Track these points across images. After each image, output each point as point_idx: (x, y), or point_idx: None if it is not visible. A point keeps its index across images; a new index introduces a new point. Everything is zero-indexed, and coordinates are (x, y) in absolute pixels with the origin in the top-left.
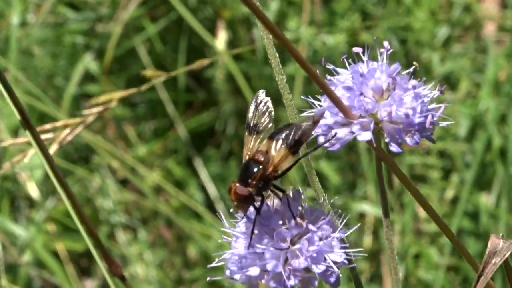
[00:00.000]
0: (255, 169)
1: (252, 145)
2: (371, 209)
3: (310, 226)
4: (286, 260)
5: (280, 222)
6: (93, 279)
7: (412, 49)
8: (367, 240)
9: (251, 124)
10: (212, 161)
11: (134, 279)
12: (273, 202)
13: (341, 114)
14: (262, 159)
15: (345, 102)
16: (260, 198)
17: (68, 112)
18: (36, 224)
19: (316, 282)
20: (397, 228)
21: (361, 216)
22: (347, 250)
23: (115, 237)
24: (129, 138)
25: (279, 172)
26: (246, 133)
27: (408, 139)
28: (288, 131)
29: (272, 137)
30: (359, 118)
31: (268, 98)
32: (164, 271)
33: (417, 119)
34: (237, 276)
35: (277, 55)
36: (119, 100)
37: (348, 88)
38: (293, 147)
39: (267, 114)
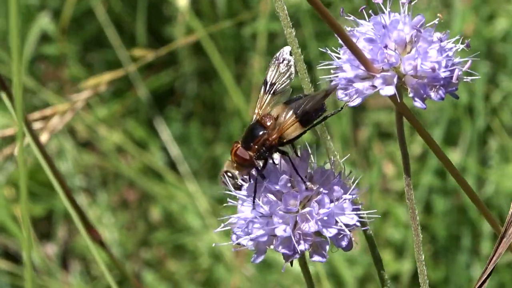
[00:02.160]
0: (260, 133)
1: (264, 105)
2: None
3: (321, 188)
4: (295, 224)
5: (289, 184)
6: (53, 243)
7: None
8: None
9: (268, 82)
10: (173, 122)
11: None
12: (280, 163)
13: (362, 67)
14: (269, 124)
15: (367, 55)
16: (263, 161)
17: (24, 74)
18: None
19: (328, 247)
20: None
21: None
22: (359, 212)
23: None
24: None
25: (284, 140)
26: (262, 91)
27: (432, 94)
28: (301, 101)
29: (286, 104)
30: (381, 72)
31: (292, 58)
32: (127, 234)
33: (443, 74)
34: (243, 241)
35: (285, 7)
36: (107, 84)
37: (371, 40)
38: (301, 117)
39: (287, 75)
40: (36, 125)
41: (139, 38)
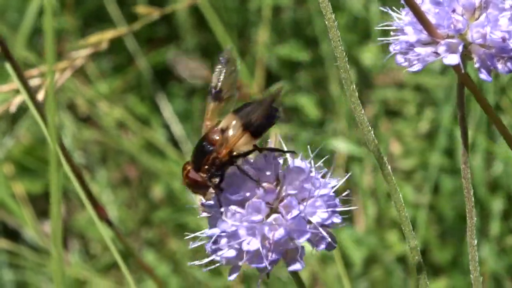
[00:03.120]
0: (207, 152)
1: (210, 115)
2: (344, 146)
3: (287, 189)
4: (263, 235)
5: (250, 192)
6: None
7: None
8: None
9: (213, 89)
10: (175, 98)
11: (94, 222)
12: (242, 167)
13: (425, 32)
14: (217, 139)
15: (431, 19)
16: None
17: (24, 49)
18: None
19: (302, 251)
20: (369, 165)
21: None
22: (335, 209)
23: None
24: (88, 74)
25: (236, 154)
26: (209, 99)
27: (500, 66)
28: (249, 109)
29: (234, 113)
30: (446, 39)
31: (236, 58)
32: (127, 212)
33: None
34: (216, 258)
35: None
36: (109, 41)
37: (437, 3)
38: (250, 128)
39: (232, 78)
40: (34, 82)
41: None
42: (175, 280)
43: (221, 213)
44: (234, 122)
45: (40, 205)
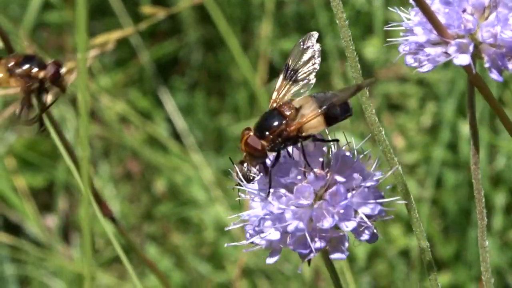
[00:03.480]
0: (277, 122)
1: (283, 92)
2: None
3: (336, 177)
4: (310, 219)
5: (300, 176)
6: (53, 215)
7: None
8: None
9: (290, 68)
10: (178, 91)
11: (96, 217)
12: (292, 151)
13: (435, 32)
14: (289, 113)
15: (441, 19)
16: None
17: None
18: None
19: (347, 242)
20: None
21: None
22: (381, 200)
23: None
24: (91, 68)
25: (303, 134)
26: (281, 76)
27: (510, 66)
28: (329, 95)
29: (311, 96)
30: (456, 39)
31: (319, 45)
32: (130, 206)
33: None
34: (257, 240)
35: None
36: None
37: (447, 3)
38: (327, 111)
39: (311, 64)
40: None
41: (143, 3)
42: (178, 274)
43: (268, 194)
44: (310, 102)
45: (42, 199)
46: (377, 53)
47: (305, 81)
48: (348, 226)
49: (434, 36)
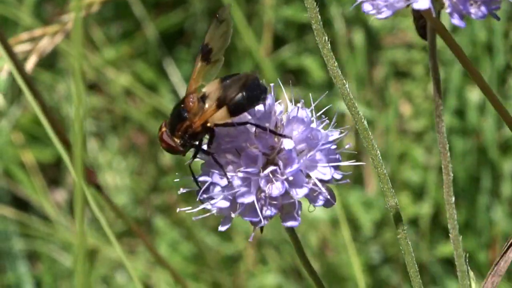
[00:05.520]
0: (182, 118)
1: (197, 77)
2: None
3: (286, 139)
4: (259, 186)
5: (250, 140)
6: (62, 189)
7: None
8: (348, 141)
9: (205, 48)
10: (183, 63)
11: (105, 189)
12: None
13: None
14: (193, 105)
15: None
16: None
17: (32, 17)
18: (4, 134)
19: (299, 208)
20: (380, 127)
21: (341, 116)
22: (335, 164)
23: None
24: (95, 41)
25: (210, 126)
26: (198, 58)
27: (473, 11)
28: (230, 82)
29: (220, 81)
30: None
31: (230, 19)
32: (137, 179)
33: None
34: (208, 206)
35: None
36: (101, 3)
37: None
38: (223, 103)
39: (223, 40)
40: (25, 47)
41: None
42: (186, 246)
43: (214, 160)
44: (214, 91)
45: (49, 174)
46: (383, 20)
47: (217, 60)
48: (298, 193)
49: None
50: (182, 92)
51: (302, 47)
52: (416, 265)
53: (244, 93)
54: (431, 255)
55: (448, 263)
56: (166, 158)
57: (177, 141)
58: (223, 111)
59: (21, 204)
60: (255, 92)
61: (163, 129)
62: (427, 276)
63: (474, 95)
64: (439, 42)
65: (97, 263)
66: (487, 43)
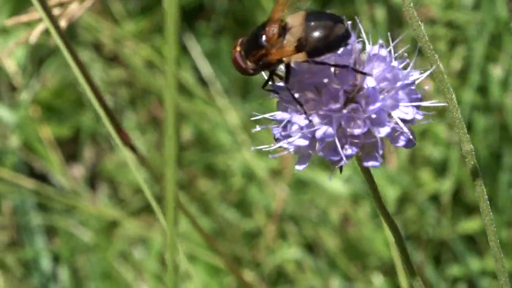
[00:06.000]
0: (259, 45)
1: (281, 3)
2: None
3: (368, 78)
4: (341, 124)
5: (327, 79)
6: (80, 164)
7: None
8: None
9: None
10: (203, 37)
11: (123, 166)
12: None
13: None
14: (273, 36)
15: None
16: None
17: None
18: (23, 107)
19: (381, 148)
20: None
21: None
22: (418, 103)
23: (101, 122)
24: (115, 14)
25: (286, 62)
26: None
27: None
28: (314, 24)
29: (305, 16)
30: None
31: None
32: (157, 154)
33: None
34: (284, 145)
35: None
36: None
37: None
38: (302, 48)
39: None
40: (54, 12)
41: None
42: (205, 222)
43: (293, 98)
44: (297, 26)
45: (67, 148)
46: None
47: None
48: (381, 132)
49: None
50: (202, 67)
51: None
52: (491, 213)
53: (328, 39)
54: (453, 232)
55: (470, 240)
56: (186, 133)
57: (250, 64)
58: (301, 54)
59: (39, 178)
60: (338, 39)
61: (238, 48)
62: (448, 253)
63: (497, 71)
64: (462, 17)
65: (114, 239)
66: (510, 20)
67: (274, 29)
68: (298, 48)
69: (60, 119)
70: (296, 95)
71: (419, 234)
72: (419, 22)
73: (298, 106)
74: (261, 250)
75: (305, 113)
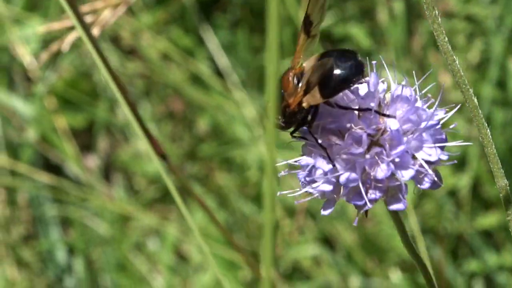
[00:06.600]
0: (281, 97)
1: (300, 49)
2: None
3: (391, 119)
4: (365, 168)
5: (351, 123)
6: (94, 155)
7: None
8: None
9: (307, 20)
10: (220, 29)
11: (137, 157)
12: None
13: None
14: (287, 84)
15: None
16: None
17: None
18: (38, 98)
19: (405, 191)
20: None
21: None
22: (442, 144)
23: (115, 113)
24: (131, 6)
25: (307, 107)
26: (302, 30)
27: None
28: (319, 64)
29: (317, 58)
30: None
31: None
32: (173, 146)
33: None
34: (309, 189)
35: None
36: None
37: None
38: (308, 89)
39: (321, 12)
40: (87, 19)
41: None
42: (222, 215)
43: (317, 143)
44: (308, 72)
45: (82, 139)
46: None
47: (315, 36)
48: (404, 175)
49: None
50: (218, 58)
51: (342, 14)
52: None
53: (335, 75)
54: (471, 227)
55: (487, 235)
56: (203, 125)
57: (280, 119)
58: (313, 94)
59: (54, 169)
60: (348, 74)
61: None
62: (466, 248)
63: None
64: (480, 11)
65: (129, 231)
66: None
67: (289, 77)
68: (306, 91)
69: (75, 110)
70: (320, 140)
71: (437, 229)
72: (454, 57)
73: (321, 150)
74: (278, 244)
75: (329, 157)
